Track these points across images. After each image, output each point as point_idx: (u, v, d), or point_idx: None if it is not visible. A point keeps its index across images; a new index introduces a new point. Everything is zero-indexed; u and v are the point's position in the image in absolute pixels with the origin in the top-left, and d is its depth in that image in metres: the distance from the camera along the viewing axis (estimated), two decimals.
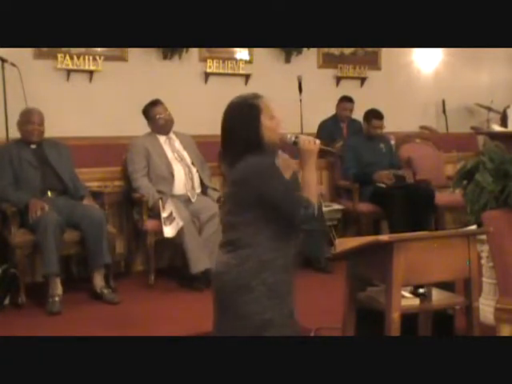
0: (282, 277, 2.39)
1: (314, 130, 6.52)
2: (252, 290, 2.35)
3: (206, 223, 4.74)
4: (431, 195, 5.64)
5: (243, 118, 2.40)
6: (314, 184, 2.42)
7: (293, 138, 2.47)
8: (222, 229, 2.54)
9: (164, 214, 4.68)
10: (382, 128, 5.82)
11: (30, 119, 4.60)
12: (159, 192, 4.84)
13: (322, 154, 2.54)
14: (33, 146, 4.63)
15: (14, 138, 4.93)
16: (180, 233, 4.64)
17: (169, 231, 4.65)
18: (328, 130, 6.42)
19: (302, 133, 6.42)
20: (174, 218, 4.65)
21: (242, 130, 2.39)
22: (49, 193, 4.57)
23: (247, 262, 2.36)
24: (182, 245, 4.67)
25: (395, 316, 2.82)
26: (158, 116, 5.01)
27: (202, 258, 4.61)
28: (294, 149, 2.49)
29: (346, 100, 6.50)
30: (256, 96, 2.44)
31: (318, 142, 2.45)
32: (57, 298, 4.24)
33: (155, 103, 5.04)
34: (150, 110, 5.03)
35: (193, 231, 4.68)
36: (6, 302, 4.30)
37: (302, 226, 2.44)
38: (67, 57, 5.80)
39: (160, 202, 4.72)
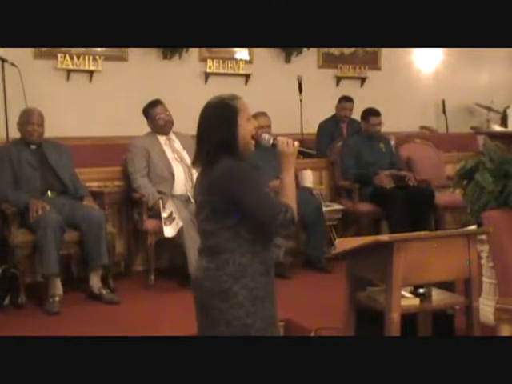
0: (262, 281, 2.36)
1: (314, 130, 6.53)
2: (235, 294, 2.31)
3: None
4: (431, 195, 5.63)
5: (219, 119, 2.35)
6: (292, 187, 2.39)
7: (271, 140, 2.44)
8: (199, 235, 2.49)
9: (164, 214, 4.67)
10: (381, 125, 5.80)
11: (29, 119, 4.58)
12: (159, 192, 4.84)
13: (300, 154, 2.51)
14: (33, 147, 4.61)
15: (13, 138, 4.92)
16: (180, 233, 4.64)
17: (169, 231, 4.65)
18: (328, 130, 6.43)
19: (302, 133, 6.46)
20: (175, 218, 4.65)
21: (217, 131, 2.34)
22: (49, 193, 4.56)
23: (227, 266, 2.32)
24: (182, 245, 4.67)
25: (395, 316, 2.82)
26: (158, 116, 4.99)
27: None
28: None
29: (346, 100, 6.49)
30: (234, 97, 2.39)
31: (296, 143, 2.42)
32: (57, 298, 4.23)
33: (155, 103, 5.03)
34: (150, 110, 5.02)
35: (192, 231, 4.67)
36: (6, 302, 4.29)
37: (280, 231, 2.41)
38: (67, 57, 5.81)
39: (160, 202, 4.72)
